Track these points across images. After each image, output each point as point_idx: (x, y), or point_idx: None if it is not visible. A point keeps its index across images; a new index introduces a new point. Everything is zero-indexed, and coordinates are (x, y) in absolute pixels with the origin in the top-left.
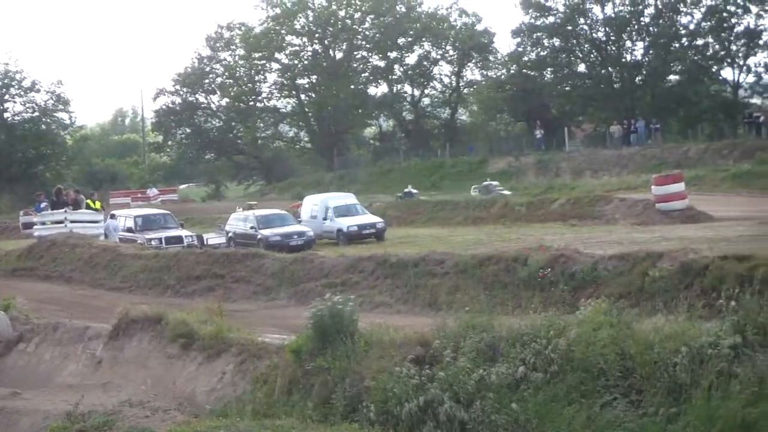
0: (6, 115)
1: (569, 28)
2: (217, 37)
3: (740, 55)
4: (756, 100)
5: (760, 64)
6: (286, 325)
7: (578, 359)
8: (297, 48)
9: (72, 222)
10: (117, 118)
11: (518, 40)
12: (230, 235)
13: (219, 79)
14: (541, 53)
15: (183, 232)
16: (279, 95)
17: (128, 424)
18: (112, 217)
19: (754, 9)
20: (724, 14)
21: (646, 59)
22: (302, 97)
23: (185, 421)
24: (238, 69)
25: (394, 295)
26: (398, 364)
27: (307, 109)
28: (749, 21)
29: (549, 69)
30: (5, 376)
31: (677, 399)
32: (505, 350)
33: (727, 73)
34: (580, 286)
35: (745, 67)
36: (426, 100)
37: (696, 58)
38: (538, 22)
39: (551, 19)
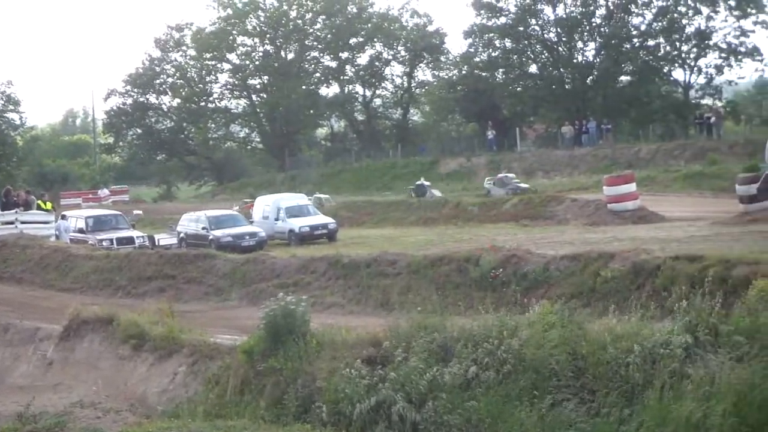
0: None
1: (521, 29)
2: (167, 39)
3: (691, 56)
4: (707, 101)
5: (710, 65)
6: (237, 325)
7: (530, 359)
8: (248, 48)
9: (22, 223)
10: (68, 119)
11: (470, 40)
12: (182, 235)
13: (170, 80)
14: (493, 54)
15: (134, 233)
16: (230, 96)
17: (80, 425)
18: (63, 217)
19: (704, 10)
20: (675, 15)
21: (598, 60)
22: (254, 97)
23: (137, 422)
24: (189, 70)
25: (346, 295)
26: (350, 365)
27: (258, 110)
28: (700, 22)
29: (500, 70)
30: None
31: (630, 399)
32: (457, 350)
33: (678, 74)
34: (532, 287)
35: (695, 68)
36: (378, 101)
37: (647, 59)
38: (490, 23)
39: (503, 19)
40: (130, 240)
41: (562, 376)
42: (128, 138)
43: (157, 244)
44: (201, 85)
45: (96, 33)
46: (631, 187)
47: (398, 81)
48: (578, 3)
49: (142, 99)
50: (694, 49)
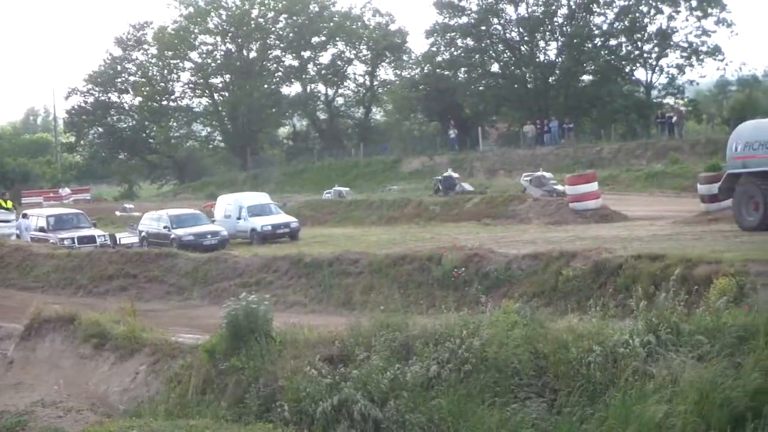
0: None
1: (483, 28)
2: (128, 37)
3: (653, 55)
4: (668, 101)
5: (672, 65)
6: (199, 324)
7: (492, 358)
8: (210, 47)
9: None
10: (29, 117)
11: (432, 40)
12: (143, 234)
13: (132, 79)
14: (455, 53)
15: (96, 232)
16: (192, 95)
17: (41, 424)
18: (24, 216)
19: (666, 10)
20: (637, 15)
21: (560, 59)
22: (215, 96)
23: (98, 422)
24: (150, 68)
25: (308, 294)
26: (312, 364)
27: (220, 109)
28: (661, 22)
29: (463, 69)
30: None
31: (592, 398)
32: (419, 349)
33: (640, 74)
34: (494, 286)
35: (657, 68)
36: (340, 100)
37: (609, 58)
38: (452, 22)
39: (465, 19)
40: (91, 239)
41: (524, 375)
42: (89, 137)
43: (118, 243)
44: (163, 84)
45: (57, 31)
46: (593, 186)
47: (360, 80)
48: (540, 2)
49: (103, 98)
50: (656, 49)
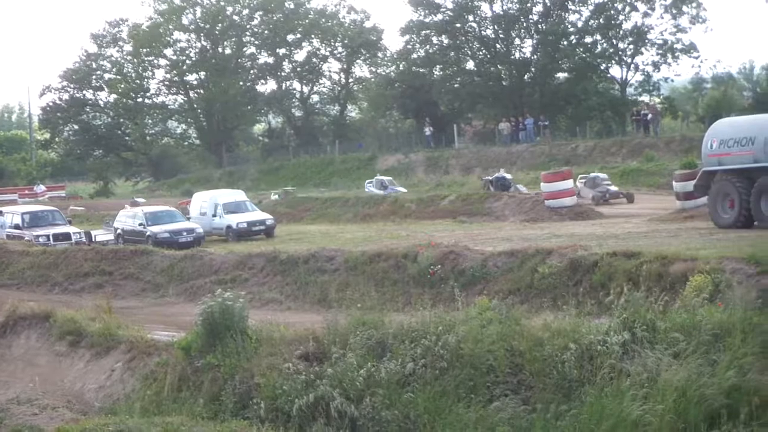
0: None
1: (458, 25)
2: (104, 34)
3: (628, 53)
4: (644, 98)
5: (647, 62)
6: (175, 322)
7: (467, 355)
8: (185, 44)
9: None
10: (3, 114)
11: (407, 37)
12: (119, 232)
13: (107, 76)
14: (430, 50)
15: (71, 229)
16: (167, 92)
17: (16, 421)
18: None
19: (641, 7)
20: (612, 12)
21: (535, 57)
22: (191, 93)
23: (74, 419)
24: (125, 65)
25: (284, 291)
26: (288, 361)
27: (195, 106)
28: (637, 19)
29: (438, 66)
30: None
31: (567, 395)
32: (394, 347)
33: (615, 71)
34: (470, 283)
35: (632, 65)
36: (315, 97)
37: (584, 55)
38: (427, 20)
39: (440, 16)
40: (66, 236)
41: (500, 372)
42: (64, 134)
43: (94, 240)
44: (138, 81)
45: (32, 28)
46: (569, 183)
47: (335, 77)
48: (515, 0)
49: (78, 95)
50: (631, 46)
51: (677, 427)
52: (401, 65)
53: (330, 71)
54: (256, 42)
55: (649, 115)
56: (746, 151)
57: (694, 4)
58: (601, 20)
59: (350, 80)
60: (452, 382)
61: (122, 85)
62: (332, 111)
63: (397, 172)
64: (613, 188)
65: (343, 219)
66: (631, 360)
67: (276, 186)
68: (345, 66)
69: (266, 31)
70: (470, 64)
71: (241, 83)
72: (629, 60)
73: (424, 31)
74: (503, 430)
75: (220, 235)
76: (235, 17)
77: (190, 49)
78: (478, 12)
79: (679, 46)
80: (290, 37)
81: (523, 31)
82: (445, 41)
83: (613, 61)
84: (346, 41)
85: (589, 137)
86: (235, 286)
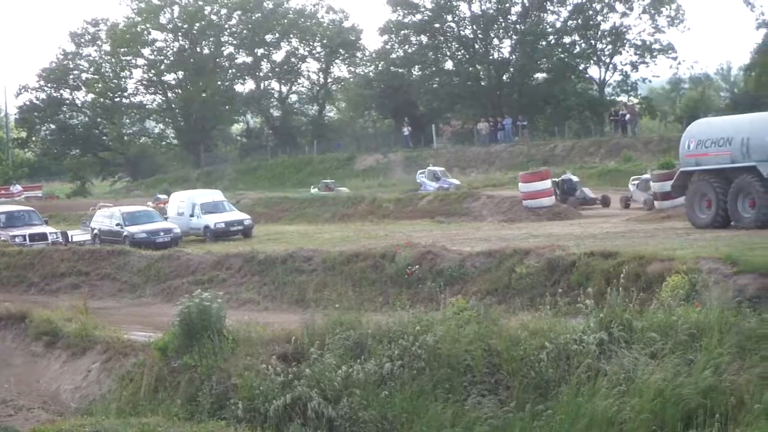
0: None
1: (436, 25)
2: (82, 33)
3: (606, 53)
4: (622, 98)
5: (625, 63)
6: (152, 322)
7: (445, 355)
8: (163, 44)
9: None
10: None
11: (386, 37)
12: (96, 232)
13: (84, 75)
14: (409, 50)
15: (47, 229)
16: (145, 91)
17: None
18: None
19: (619, 8)
20: (590, 13)
21: (513, 57)
22: (169, 93)
23: (49, 420)
24: (103, 65)
25: (261, 292)
26: (265, 362)
27: (173, 106)
28: (615, 20)
29: (417, 66)
30: None
31: (544, 395)
32: (372, 347)
33: (594, 72)
34: (448, 283)
35: (611, 66)
36: (293, 97)
37: (563, 56)
38: (406, 20)
39: (419, 16)
40: (43, 236)
41: (477, 372)
42: (41, 133)
43: (70, 240)
44: (115, 81)
45: (9, 27)
46: (547, 183)
47: (314, 77)
48: (494, 0)
49: (55, 94)
50: (609, 47)
51: (653, 426)
52: (380, 65)
53: (308, 71)
54: (235, 42)
55: (627, 116)
56: (723, 152)
57: (673, 6)
58: (579, 20)
59: (329, 80)
60: (430, 382)
61: (100, 85)
62: (311, 111)
63: (375, 172)
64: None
65: (321, 219)
66: (607, 360)
67: (254, 186)
68: (323, 66)
69: (245, 31)
70: (449, 64)
71: (219, 83)
72: (607, 60)
73: (402, 31)
74: (480, 429)
75: (198, 236)
76: (214, 17)
77: (168, 49)
78: (457, 12)
79: (657, 46)
80: (269, 37)
81: (501, 31)
82: (424, 41)
83: (592, 62)
84: (324, 41)
85: (568, 137)
86: (212, 287)
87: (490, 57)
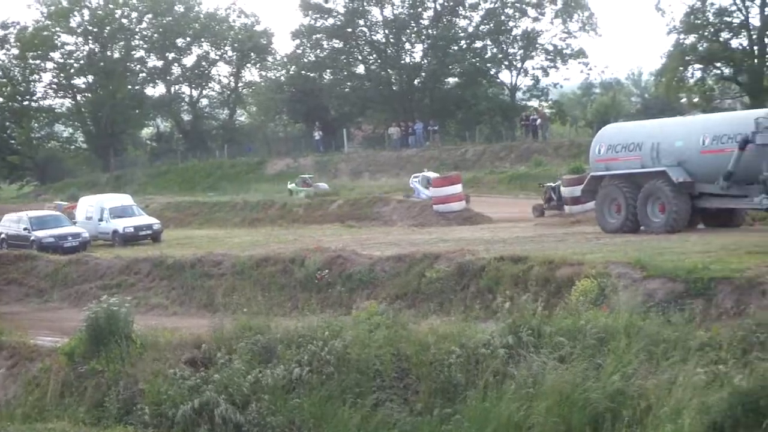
0: None
1: (349, 30)
2: None
3: (518, 58)
4: (533, 103)
5: (537, 67)
6: (59, 327)
7: (354, 360)
8: (72, 47)
9: None
10: None
11: (298, 41)
12: (2, 236)
13: None
14: (321, 55)
15: None
16: (54, 95)
17: None
18: None
19: (531, 13)
20: (502, 18)
21: (425, 61)
22: (78, 97)
23: None
24: (12, 68)
25: (170, 296)
26: (173, 366)
27: (83, 110)
28: (527, 25)
29: (328, 70)
30: None
31: (452, 399)
32: (281, 352)
33: (505, 76)
34: (358, 287)
35: (522, 70)
36: (204, 101)
37: (474, 60)
38: (318, 24)
39: (331, 21)
40: None
41: (386, 377)
42: None
43: None
44: (24, 84)
45: None
46: (457, 188)
47: (225, 81)
48: (406, 4)
49: None
50: (521, 51)
51: (561, 430)
52: (291, 69)
53: (219, 75)
54: (145, 45)
55: (538, 120)
56: (633, 157)
57: (586, 13)
58: (491, 25)
59: (240, 84)
60: (338, 387)
61: (8, 88)
62: (221, 115)
63: (286, 177)
64: None
65: (231, 223)
66: (516, 364)
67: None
68: (235, 70)
69: (155, 35)
70: (361, 69)
71: (129, 87)
72: (519, 65)
73: (314, 36)
74: None
75: (107, 240)
76: (124, 20)
77: (78, 53)
78: (369, 17)
79: (568, 51)
80: (180, 41)
81: (413, 35)
82: (336, 45)
83: (503, 66)
84: (236, 45)
85: (479, 142)
86: (120, 291)
87: (402, 61)
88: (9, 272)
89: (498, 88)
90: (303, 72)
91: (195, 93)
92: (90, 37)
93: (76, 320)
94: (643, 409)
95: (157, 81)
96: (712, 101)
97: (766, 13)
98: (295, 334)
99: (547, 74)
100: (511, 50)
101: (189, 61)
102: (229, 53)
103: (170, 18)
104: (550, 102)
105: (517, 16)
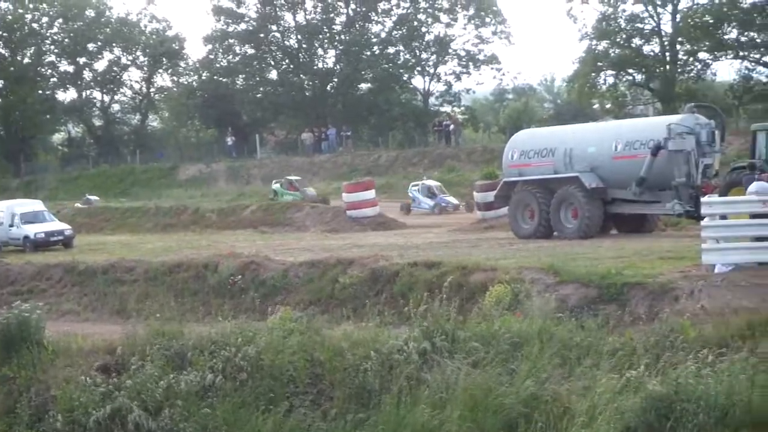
0: None
1: (261, 35)
2: None
3: (430, 63)
4: (446, 109)
5: (449, 73)
6: None
7: (267, 366)
8: None
9: None
10: None
11: (210, 46)
12: None
13: None
14: (233, 60)
15: None
16: None
17: None
18: None
19: (444, 18)
20: (415, 23)
21: (338, 67)
22: None
23: None
24: None
25: (82, 302)
26: (85, 373)
27: None
28: (439, 30)
29: (241, 76)
30: None
31: (366, 404)
32: (194, 358)
33: (418, 82)
34: (271, 293)
35: (435, 76)
36: (116, 106)
37: (387, 66)
38: (230, 29)
39: (243, 26)
40: None
41: (300, 383)
42: None
43: None
44: None
45: None
46: (371, 194)
47: (137, 86)
48: (319, 10)
49: None
50: (434, 57)
51: None
52: (203, 74)
53: (131, 80)
54: (56, 50)
55: (451, 126)
56: (546, 162)
57: (498, 18)
58: (404, 31)
59: (152, 89)
60: (252, 393)
61: None
62: (133, 120)
63: (199, 182)
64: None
65: (144, 229)
66: (430, 369)
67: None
68: (147, 75)
69: (66, 40)
70: (273, 74)
71: (40, 92)
72: (432, 71)
73: (227, 41)
74: None
75: (18, 246)
76: (35, 25)
77: None
78: (282, 22)
79: (481, 57)
80: (91, 46)
81: (326, 41)
82: (249, 51)
83: (416, 72)
84: (147, 50)
85: (392, 147)
86: (32, 297)
87: (315, 67)
88: None
89: (411, 93)
90: (215, 77)
91: (106, 98)
92: (0, 42)
93: None
94: (557, 414)
95: (68, 86)
96: (625, 107)
97: (677, 20)
98: (208, 340)
99: (459, 80)
100: (423, 56)
101: (100, 66)
102: (141, 58)
103: (81, 23)
104: (462, 108)
105: (429, 22)
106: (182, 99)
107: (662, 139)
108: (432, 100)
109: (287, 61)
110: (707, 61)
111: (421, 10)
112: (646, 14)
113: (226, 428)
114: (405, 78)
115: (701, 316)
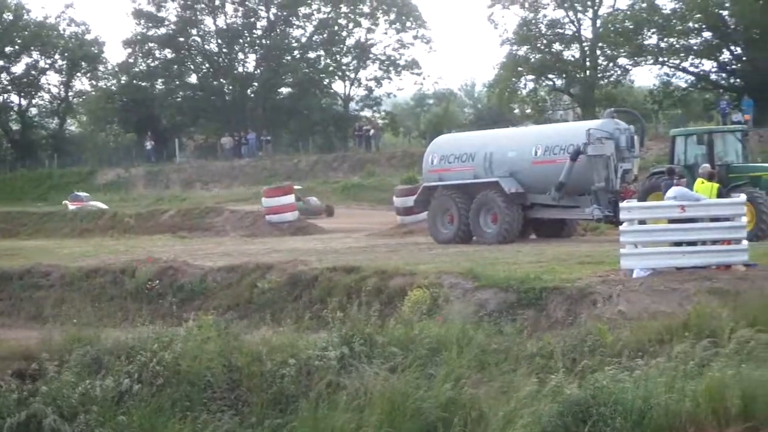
0: None
1: (181, 39)
2: None
3: (351, 68)
4: (366, 113)
5: (370, 78)
6: None
7: (185, 372)
8: None
9: None
10: None
11: (129, 50)
12: None
13: None
14: (153, 64)
15: None
16: None
17: None
18: None
19: (365, 23)
20: (336, 28)
21: (258, 71)
22: None
23: None
24: None
25: None
26: (0, 379)
27: None
28: (360, 35)
29: (160, 80)
30: None
31: (284, 410)
32: (110, 363)
33: (339, 86)
34: (189, 298)
35: (356, 81)
36: (33, 110)
37: (307, 71)
38: (150, 33)
39: (163, 29)
40: None
41: (217, 389)
42: None
43: None
44: None
45: None
46: (290, 198)
47: (55, 90)
48: (239, 14)
49: None
50: (354, 62)
51: None
52: (123, 78)
53: (49, 84)
54: None
55: (371, 131)
56: (466, 167)
57: (418, 22)
58: (324, 35)
59: (70, 93)
60: (169, 399)
61: None
62: (51, 124)
63: (117, 187)
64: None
65: (61, 234)
66: (348, 374)
67: None
68: (65, 79)
69: None
70: (193, 78)
71: None
72: (352, 75)
73: (146, 45)
74: None
75: None
76: None
77: None
78: (202, 26)
79: (402, 62)
80: (8, 49)
81: (246, 45)
82: (169, 55)
83: (337, 77)
84: (66, 54)
85: (312, 152)
86: None
87: (235, 71)
88: None
89: (331, 98)
90: (134, 81)
91: (24, 102)
92: None
93: None
94: (474, 417)
95: None
96: (545, 112)
97: (597, 25)
98: (124, 346)
99: (380, 85)
100: (344, 60)
101: (18, 69)
102: (60, 62)
103: None
104: (383, 113)
105: (350, 27)
106: (101, 103)
107: (582, 144)
108: (353, 104)
109: (207, 65)
110: (627, 66)
111: (342, 15)
112: (566, 20)
113: None
114: (326, 83)
115: (619, 321)
